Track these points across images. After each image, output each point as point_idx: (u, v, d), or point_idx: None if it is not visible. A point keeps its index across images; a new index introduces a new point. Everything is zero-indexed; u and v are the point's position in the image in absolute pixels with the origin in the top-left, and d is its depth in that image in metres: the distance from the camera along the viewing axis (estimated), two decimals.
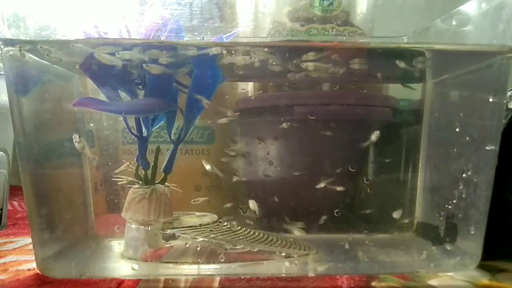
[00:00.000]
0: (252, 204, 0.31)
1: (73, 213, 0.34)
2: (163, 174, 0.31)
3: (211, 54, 0.28)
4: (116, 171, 0.32)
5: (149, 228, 0.31)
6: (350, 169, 0.34)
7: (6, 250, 0.37)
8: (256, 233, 0.32)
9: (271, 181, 0.36)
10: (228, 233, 0.32)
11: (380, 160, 0.35)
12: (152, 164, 0.31)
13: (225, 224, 0.33)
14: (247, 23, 0.36)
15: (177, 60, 0.29)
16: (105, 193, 0.34)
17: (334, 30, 0.37)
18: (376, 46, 0.35)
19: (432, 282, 0.30)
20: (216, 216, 0.33)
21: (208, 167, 0.32)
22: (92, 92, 0.32)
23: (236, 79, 0.36)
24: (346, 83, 0.35)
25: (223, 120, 0.32)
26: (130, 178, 0.31)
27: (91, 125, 0.35)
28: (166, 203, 0.31)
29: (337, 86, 0.34)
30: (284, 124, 0.33)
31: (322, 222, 0.33)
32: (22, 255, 0.36)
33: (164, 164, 0.31)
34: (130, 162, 0.32)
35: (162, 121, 0.31)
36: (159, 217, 0.31)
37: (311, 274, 0.30)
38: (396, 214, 0.33)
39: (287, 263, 0.30)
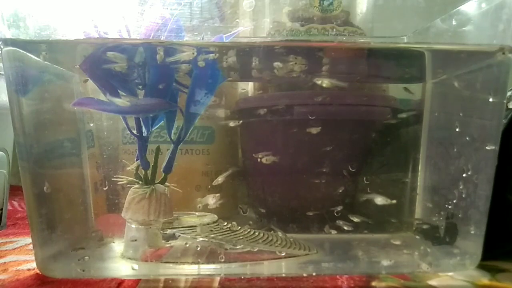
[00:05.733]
0: (211, 199, 0.31)
1: (73, 213, 0.34)
2: (163, 174, 0.31)
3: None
4: (129, 168, 0.32)
5: (149, 228, 0.31)
6: (350, 168, 0.34)
7: (6, 250, 0.37)
8: (256, 233, 0.32)
9: (270, 180, 0.36)
10: (228, 233, 0.32)
11: (380, 160, 0.35)
12: (152, 164, 0.31)
13: (225, 224, 0.33)
14: (247, 23, 0.36)
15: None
16: (105, 193, 0.34)
17: (334, 30, 0.37)
18: (376, 46, 0.35)
19: (432, 282, 0.30)
20: (216, 216, 0.33)
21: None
22: (92, 92, 0.31)
23: (236, 79, 0.36)
24: (346, 83, 0.35)
25: None
26: (130, 178, 0.31)
27: (91, 125, 0.35)
28: (166, 203, 0.31)
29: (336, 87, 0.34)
30: (314, 129, 0.32)
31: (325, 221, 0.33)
32: (22, 255, 0.36)
33: (164, 164, 0.31)
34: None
35: (162, 121, 0.31)
36: (159, 217, 0.31)
37: (311, 274, 0.30)
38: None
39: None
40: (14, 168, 0.41)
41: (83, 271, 0.29)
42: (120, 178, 0.32)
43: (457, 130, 0.32)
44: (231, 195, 0.36)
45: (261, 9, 0.39)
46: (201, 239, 0.31)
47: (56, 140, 0.32)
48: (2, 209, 0.46)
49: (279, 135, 0.35)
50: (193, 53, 0.28)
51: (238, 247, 0.31)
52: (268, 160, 0.32)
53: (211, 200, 0.32)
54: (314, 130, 0.33)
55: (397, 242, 0.34)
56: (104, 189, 0.33)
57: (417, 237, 0.35)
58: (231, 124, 0.34)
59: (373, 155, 0.35)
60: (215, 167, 0.37)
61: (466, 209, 0.31)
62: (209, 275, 0.30)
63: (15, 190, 0.52)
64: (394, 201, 0.32)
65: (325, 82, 0.29)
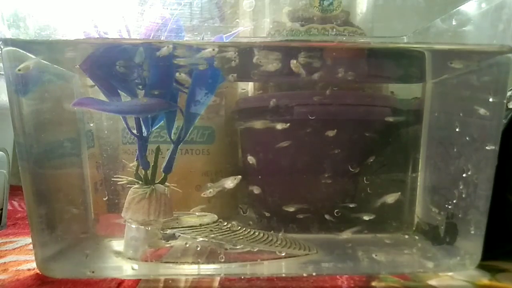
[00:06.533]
0: (230, 182, 0.31)
1: (73, 213, 0.34)
2: (163, 174, 0.31)
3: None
4: (129, 168, 0.32)
5: (149, 228, 0.31)
6: (350, 169, 0.34)
7: (6, 250, 0.37)
8: (256, 233, 0.32)
9: (270, 181, 0.36)
10: (228, 233, 0.32)
11: (380, 160, 0.35)
12: (152, 164, 0.31)
13: (225, 224, 0.33)
14: (247, 23, 0.36)
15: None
16: (105, 193, 0.34)
17: (334, 30, 0.37)
18: (376, 46, 0.35)
19: (432, 282, 0.30)
20: (216, 216, 0.33)
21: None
22: (92, 92, 0.32)
23: (236, 79, 0.36)
24: (346, 83, 0.35)
25: None
26: (130, 178, 0.31)
27: (91, 125, 0.35)
28: (166, 203, 0.31)
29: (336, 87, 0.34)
30: (330, 132, 0.32)
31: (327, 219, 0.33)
32: (22, 255, 0.36)
33: (164, 164, 0.31)
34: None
35: (162, 121, 0.32)
36: (159, 217, 0.31)
37: (311, 274, 0.30)
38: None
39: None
40: (14, 168, 0.41)
41: (93, 272, 0.29)
42: (120, 178, 0.32)
43: (457, 130, 0.32)
44: (231, 195, 0.36)
45: (261, 9, 0.39)
46: (201, 239, 0.31)
47: (56, 140, 0.33)
48: (2, 209, 0.46)
49: (279, 135, 0.35)
50: (213, 49, 0.28)
51: (238, 247, 0.31)
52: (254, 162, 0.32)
53: (230, 182, 0.31)
54: (318, 132, 0.33)
55: (397, 242, 0.34)
56: (104, 199, 0.33)
57: (417, 237, 0.35)
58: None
59: (373, 155, 0.35)
60: (215, 167, 0.37)
61: (466, 209, 0.31)
62: (209, 275, 0.30)
63: (15, 190, 0.52)
64: (399, 193, 0.32)
65: (294, 65, 0.29)
